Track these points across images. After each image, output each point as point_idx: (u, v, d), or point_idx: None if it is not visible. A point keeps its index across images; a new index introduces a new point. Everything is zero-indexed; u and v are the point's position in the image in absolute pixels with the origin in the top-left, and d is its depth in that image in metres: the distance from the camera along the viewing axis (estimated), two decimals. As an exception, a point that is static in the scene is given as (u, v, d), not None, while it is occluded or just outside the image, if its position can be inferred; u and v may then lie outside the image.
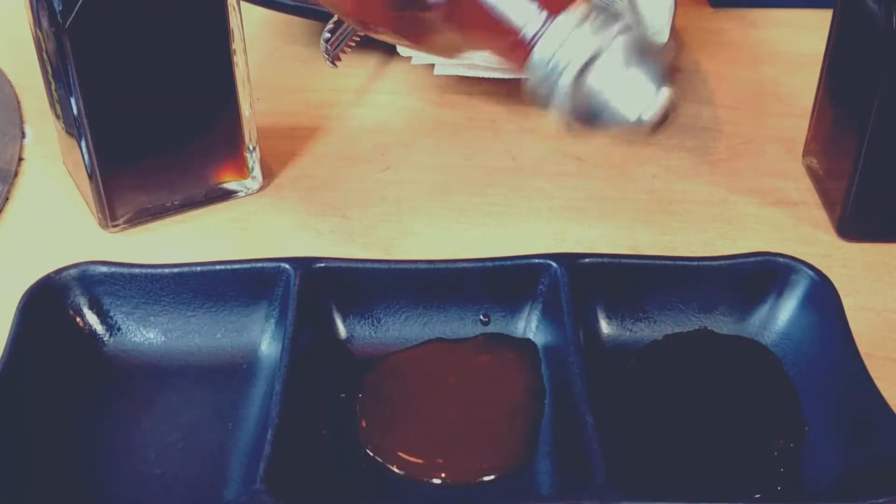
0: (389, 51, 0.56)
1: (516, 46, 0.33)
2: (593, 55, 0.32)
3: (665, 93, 0.32)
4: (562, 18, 0.32)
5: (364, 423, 0.38)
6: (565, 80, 0.32)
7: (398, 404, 0.38)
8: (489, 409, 0.38)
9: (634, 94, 0.32)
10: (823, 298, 0.39)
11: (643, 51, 0.33)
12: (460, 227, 0.48)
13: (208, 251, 0.46)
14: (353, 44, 0.52)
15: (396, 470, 0.36)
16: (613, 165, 0.52)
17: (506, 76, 0.53)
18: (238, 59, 0.45)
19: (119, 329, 0.41)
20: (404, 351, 0.41)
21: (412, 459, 0.36)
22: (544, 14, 0.33)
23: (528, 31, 0.33)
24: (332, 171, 0.52)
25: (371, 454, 0.37)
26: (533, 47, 0.33)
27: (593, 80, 0.32)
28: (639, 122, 0.33)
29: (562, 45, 0.32)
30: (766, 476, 0.36)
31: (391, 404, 0.38)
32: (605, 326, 0.41)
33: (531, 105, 0.34)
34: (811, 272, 0.40)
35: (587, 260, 0.40)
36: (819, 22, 0.51)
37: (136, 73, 0.43)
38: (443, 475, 0.36)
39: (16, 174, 0.51)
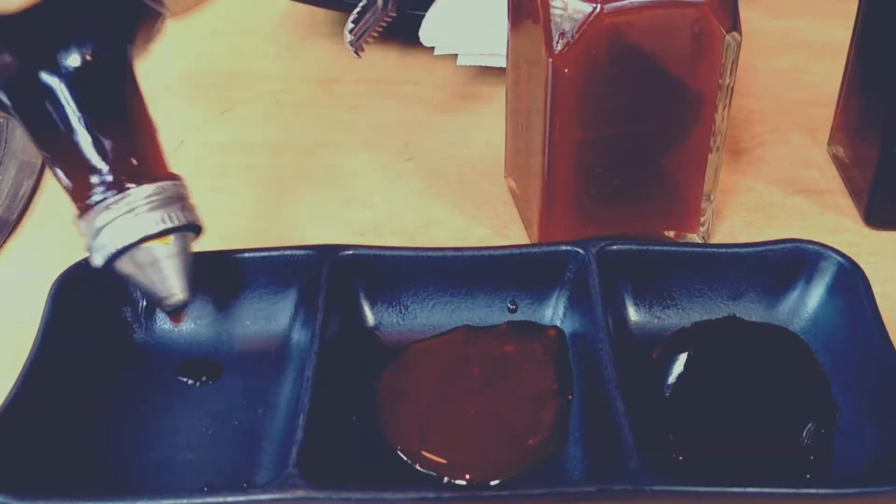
0: (413, 41, 0.56)
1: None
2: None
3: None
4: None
5: (388, 422, 0.38)
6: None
7: (421, 398, 0.38)
8: (517, 400, 0.38)
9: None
10: (853, 285, 0.39)
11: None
12: (485, 214, 0.48)
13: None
14: (376, 34, 0.52)
15: (423, 470, 0.36)
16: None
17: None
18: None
19: (149, 316, 0.41)
20: (429, 339, 0.41)
21: (438, 460, 0.36)
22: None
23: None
24: (356, 161, 0.52)
25: (400, 454, 0.37)
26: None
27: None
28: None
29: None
30: (796, 462, 0.36)
31: (414, 398, 0.38)
32: (633, 313, 0.41)
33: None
34: (840, 258, 0.39)
35: (615, 247, 0.40)
36: (842, 10, 0.51)
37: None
38: (468, 476, 0.36)
39: (43, 165, 0.51)
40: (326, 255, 0.40)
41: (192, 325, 0.41)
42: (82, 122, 0.35)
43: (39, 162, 0.51)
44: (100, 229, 0.35)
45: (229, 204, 0.49)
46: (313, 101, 0.57)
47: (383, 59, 0.59)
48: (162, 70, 0.36)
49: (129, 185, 0.35)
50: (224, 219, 0.48)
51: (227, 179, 0.51)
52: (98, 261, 0.36)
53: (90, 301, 0.40)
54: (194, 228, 0.37)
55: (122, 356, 0.40)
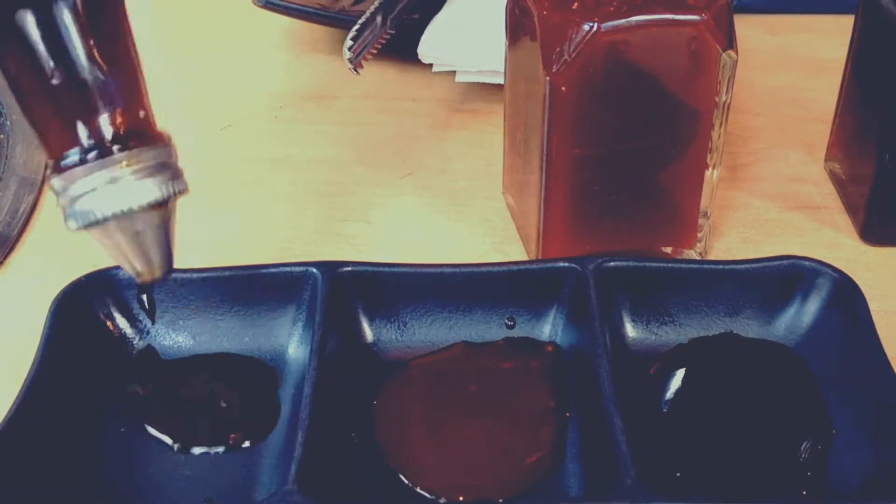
0: (411, 58, 0.56)
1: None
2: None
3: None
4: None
5: (386, 439, 0.38)
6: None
7: (419, 416, 0.38)
8: (515, 417, 0.38)
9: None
10: (849, 301, 0.39)
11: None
12: (483, 230, 0.48)
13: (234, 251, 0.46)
14: (375, 51, 0.52)
15: (421, 489, 0.36)
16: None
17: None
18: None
19: (148, 333, 0.41)
20: (427, 356, 0.41)
21: (436, 479, 0.36)
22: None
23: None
24: (355, 177, 0.52)
25: (398, 472, 0.37)
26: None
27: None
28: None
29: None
30: (792, 479, 0.36)
31: (412, 416, 0.38)
32: (630, 330, 0.41)
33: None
34: (837, 275, 0.40)
35: (612, 263, 0.40)
36: (839, 27, 0.51)
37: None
38: (466, 495, 0.36)
39: (43, 181, 0.51)
40: (325, 271, 0.40)
41: (192, 342, 0.41)
42: (64, 61, 0.31)
43: (40, 178, 0.51)
44: (80, 195, 0.31)
45: (227, 220, 0.49)
46: (312, 118, 0.57)
47: (382, 76, 0.60)
48: (160, 86, 0.36)
49: (114, 144, 0.31)
50: (222, 235, 0.48)
51: (225, 195, 0.51)
52: (73, 226, 0.32)
53: (91, 316, 0.40)
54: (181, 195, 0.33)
55: (121, 373, 0.40)
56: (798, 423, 0.38)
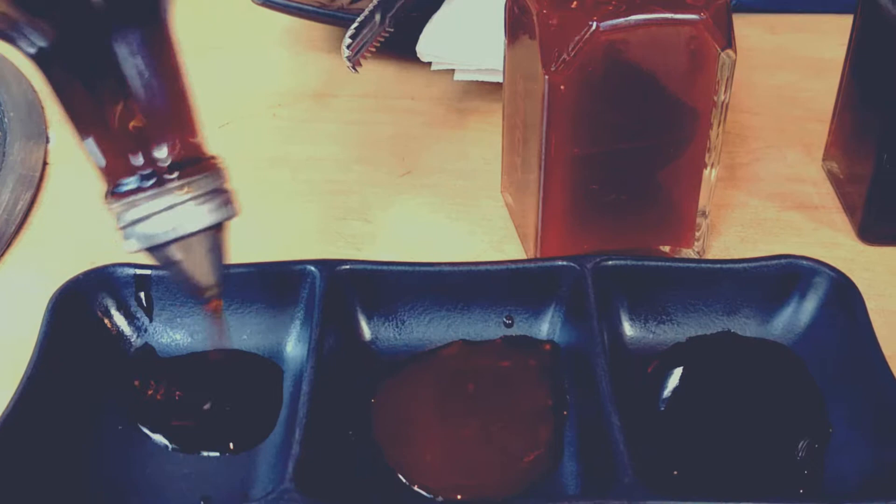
0: (410, 56, 0.56)
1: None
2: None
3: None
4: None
5: (384, 438, 0.38)
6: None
7: (417, 414, 0.38)
8: (513, 416, 0.38)
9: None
10: (847, 301, 0.39)
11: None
12: (482, 230, 0.48)
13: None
14: (373, 49, 0.52)
15: (419, 488, 0.36)
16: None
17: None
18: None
19: (146, 330, 0.41)
20: (425, 354, 0.41)
21: (434, 478, 0.36)
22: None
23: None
24: (353, 176, 0.52)
25: (396, 471, 0.37)
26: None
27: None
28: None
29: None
30: (789, 477, 0.36)
31: (410, 414, 0.38)
32: (628, 328, 0.41)
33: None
34: (834, 274, 0.40)
35: (611, 262, 0.40)
36: (838, 27, 0.51)
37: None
38: (464, 494, 0.36)
39: (41, 178, 0.52)
40: (323, 269, 0.40)
41: (189, 339, 0.41)
42: (121, 91, 0.32)
43: (38, 175, 0.51)
44: (139, 219, 0.33)
45: (227, 218, 0.49)
46: (311, 116, 0.57)
47: (381, 74, 0.60)
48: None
49: (171, 171, 0.33)
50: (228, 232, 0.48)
51: (224, 193, 0.51)
52: (133, 248, 0.33)
53: (88, 314, 0.40)
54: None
55: (118, 370, 0.40)
56: (795, 421, 0.38)
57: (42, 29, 0.31)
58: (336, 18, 0.58)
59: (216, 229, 0.34)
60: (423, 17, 0.57)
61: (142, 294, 0.41)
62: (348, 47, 0.50)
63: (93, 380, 0.39)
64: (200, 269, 0.34)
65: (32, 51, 0.31)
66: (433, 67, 0.56)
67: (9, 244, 0.48)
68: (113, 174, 0.33)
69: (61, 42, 0.31)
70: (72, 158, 0.52)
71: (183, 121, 0.34)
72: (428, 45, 0.56)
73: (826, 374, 0.39)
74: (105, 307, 0.41)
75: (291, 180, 0.52)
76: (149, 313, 0.41)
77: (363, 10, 0.52)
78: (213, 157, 0.34)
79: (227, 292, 0.41)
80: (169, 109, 0.33)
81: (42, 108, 0.57)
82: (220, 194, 0.34)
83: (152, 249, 0.33)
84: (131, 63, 0.32)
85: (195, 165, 0.33)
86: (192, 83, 0.35)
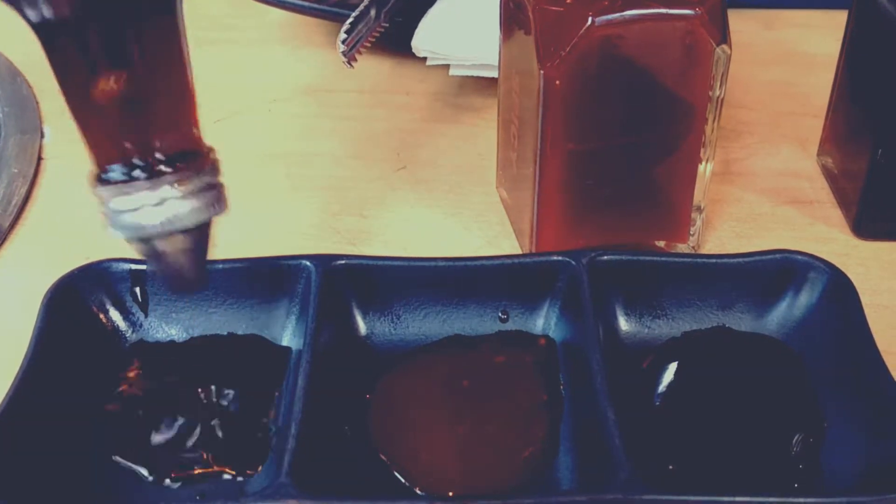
0: (405, 51, 0.56)
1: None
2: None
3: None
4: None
5: (380, 433, 0.38)
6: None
7: (412, 410, 0.38)
8: (508, 411, 0.38)
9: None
10: (842, 295, 0.39)
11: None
12: (478, 225, 0.48)
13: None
14: (368, 44, 0.52)
15: (414, 483, 0.36)
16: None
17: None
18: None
19: (141, 326, 0.41)
20: (420, 349, 0.41)
21: (429, 473, 0.36)
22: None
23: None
24: (349, 171, 0.52)
25: (391, 466, 0.37)
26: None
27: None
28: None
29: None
30: (784, 472, 0.36)
31: (406, 409, 0.38)
32: (623, 324, 0.41)
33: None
34: (829, 269, 0.40)
35: (606, 257, 0.40)
36: (833, 22, 0.51)
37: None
38: (459, 489, 0.36)
39: (36, 173, 0.51)
40: (318, 264, 0.40)
41: (185, 335, 0.41)
42: (123, 74, 0.31)
43: (33, 170, 0.51)
44: (126, 210, 0.32)
45: (222, 213, 0.49)
46: (306, 111, 0.57)
47: (376, 69, 0.60)
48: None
49: (163, 164, 0.32)
50: (216, 228, 0.48)
51: (219, 189, 0.51)
52: (116, 236, 0.33)
53: (84, 310, 0.40)
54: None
55: (114, 366, 0.40)
56: (790, 416, 0.38)
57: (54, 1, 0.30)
58: (331, 14, 0.57)
59: (202, 226, 0.33)
60: (418, 13, 0.57)
61: (137, 289, 0.41)
62: (343, 42, 0.50)
63: (88, 375, 0.39)
64: (184, 264, 0.34)
65: (36, 19, 0.30)
66: (428, 63, 0.56)
67: (3, 239, 0.47)
68: (104, 157, 0.32)
69: (70, 15, 0.30)
70: (67, 154, 0.52)
71: (183, 112, 0.33)
72: (423, 40, 0.56)
73: (821, 368, 0.39)
74: (100, 303, 0.41)
75: (286, 175, 0.52)
76: (144, 309, 0.41)
77: (358, 5, 0.52)
78: (210, 150, 0.34)
79: (222, 287, 0.41)
80: (170, 99, 0.33)
81: (37, 103, 0.56)
82: (212, 190, 0.33)
83: (137, 241, 0.33)
84: (137, 46, 0.31)
85: (190, 159, 0.33)
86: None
